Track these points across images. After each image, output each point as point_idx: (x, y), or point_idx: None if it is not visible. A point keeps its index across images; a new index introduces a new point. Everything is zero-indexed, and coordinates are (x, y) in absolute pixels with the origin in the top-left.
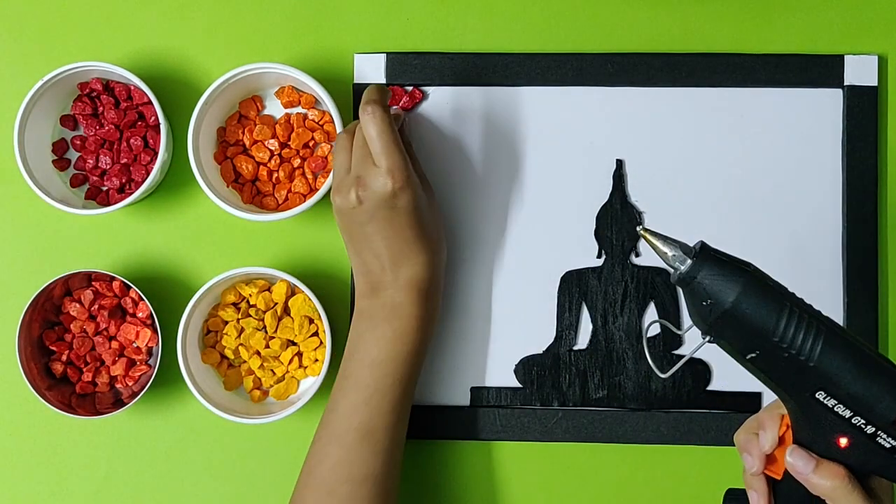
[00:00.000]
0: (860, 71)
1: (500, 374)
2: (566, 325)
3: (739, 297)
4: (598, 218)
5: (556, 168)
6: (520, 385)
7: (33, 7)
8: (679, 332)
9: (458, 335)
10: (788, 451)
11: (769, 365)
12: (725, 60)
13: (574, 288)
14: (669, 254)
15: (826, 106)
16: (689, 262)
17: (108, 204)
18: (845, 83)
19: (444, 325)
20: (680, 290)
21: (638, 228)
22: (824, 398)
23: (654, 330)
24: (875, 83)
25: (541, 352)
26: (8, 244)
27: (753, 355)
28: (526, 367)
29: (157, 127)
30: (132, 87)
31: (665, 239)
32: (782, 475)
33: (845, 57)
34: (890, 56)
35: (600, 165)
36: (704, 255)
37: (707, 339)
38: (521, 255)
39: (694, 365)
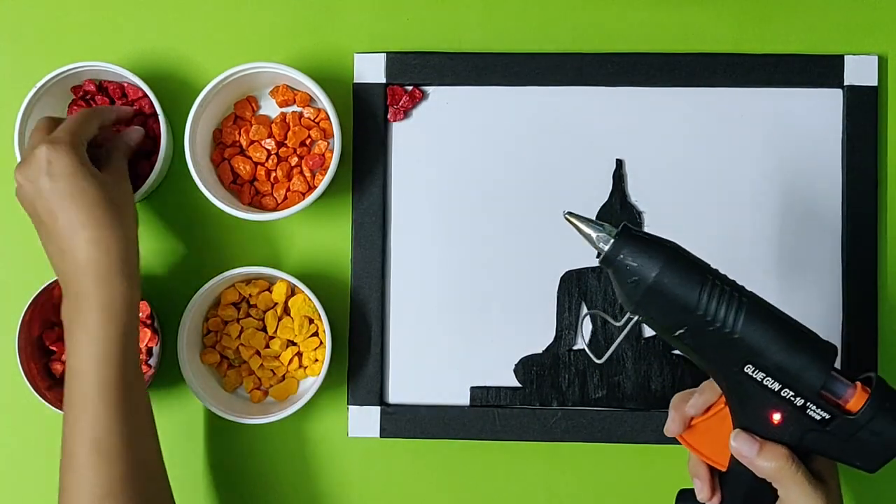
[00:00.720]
0: (860, 71)
1: (500, 373)
2: (566, 324)
3: (661, 272)
4: (598, 218)
5: (556, 168)
6: (519, 385)
7: (27, 12)
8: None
9: (458, 335)
10: (732, 436)
11: (697, 341)
12: (725, 60)
13: (574, 288)
14: (593, 235)
15: (826, 106)
16: (611, 241)
17: None
18: (845, 83)
19: (443, 324)
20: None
21: (563, 213)
22: (753, 371)
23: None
24: (875, 83)
25: (540, 351)
26: (8, 244)
27: (682, 331)
28: (525, 367)
29: (156, 124)
30: (126, 85)
31: (589, 221)
32: (727, 466)
33: (845, 57)
34: (890, 56)
35: (600, 165)
36: (625, 234)
37: (636, 317)
38: (521, 255)
39: (693, 365)
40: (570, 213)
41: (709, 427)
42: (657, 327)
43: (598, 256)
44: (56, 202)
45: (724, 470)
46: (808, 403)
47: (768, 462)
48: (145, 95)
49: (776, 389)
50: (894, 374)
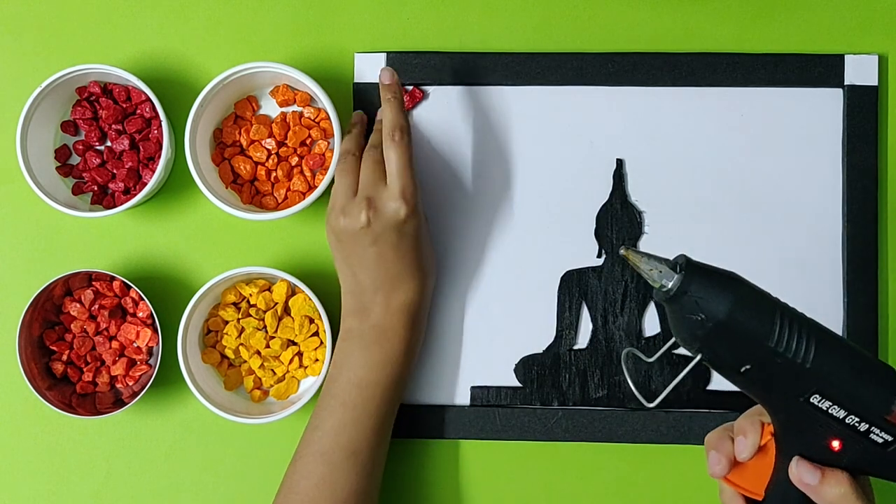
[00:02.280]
0: (860, 70)
1: (501, 373)
2: (566, 324)
3: (734, 308)
4: (598, 217)
5: (556, 167)
6: (520, 384)
7: (27, 15)
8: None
9: (458, 335)
10: (793, 463)
11: (764, 374)
12: (726, 60)
13: (574, 287)
14: (656, 272)
15: (826, 106)
16: (675, 277)
17: (113, 206)
18: (845, 83)
19: (444, 324)
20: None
21: (621, 250)
22: (819, 401)
23: (650, 331)
24: (875, 83)
25: (541, 351)
26: (9, 244)
27: (748, 367)
28: (526, 367)
29: (159, 128)
30: (130, 88)
31: (649, 257)
32: (763, 495)
33: (845, 56)
34: (890, 55)
35: (600, 165)
36: (692, 268)
37: (699, 356)
38: (521, 255)
39: (695, 366)
40: (627, 248)
41: (752, 463)
42: (721, 363)
43: (657, 294)
44: (399, 252)
45: (760, 499)
46: (873, 428)
47: (833, 489)
48: (148, 99)
49: (841, 417)
50: None
